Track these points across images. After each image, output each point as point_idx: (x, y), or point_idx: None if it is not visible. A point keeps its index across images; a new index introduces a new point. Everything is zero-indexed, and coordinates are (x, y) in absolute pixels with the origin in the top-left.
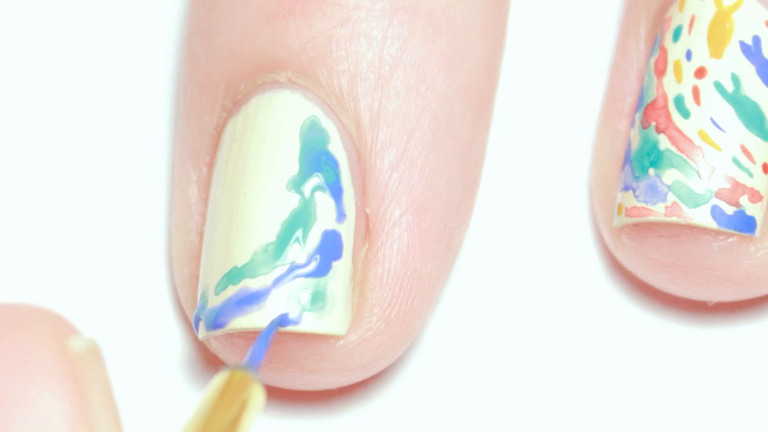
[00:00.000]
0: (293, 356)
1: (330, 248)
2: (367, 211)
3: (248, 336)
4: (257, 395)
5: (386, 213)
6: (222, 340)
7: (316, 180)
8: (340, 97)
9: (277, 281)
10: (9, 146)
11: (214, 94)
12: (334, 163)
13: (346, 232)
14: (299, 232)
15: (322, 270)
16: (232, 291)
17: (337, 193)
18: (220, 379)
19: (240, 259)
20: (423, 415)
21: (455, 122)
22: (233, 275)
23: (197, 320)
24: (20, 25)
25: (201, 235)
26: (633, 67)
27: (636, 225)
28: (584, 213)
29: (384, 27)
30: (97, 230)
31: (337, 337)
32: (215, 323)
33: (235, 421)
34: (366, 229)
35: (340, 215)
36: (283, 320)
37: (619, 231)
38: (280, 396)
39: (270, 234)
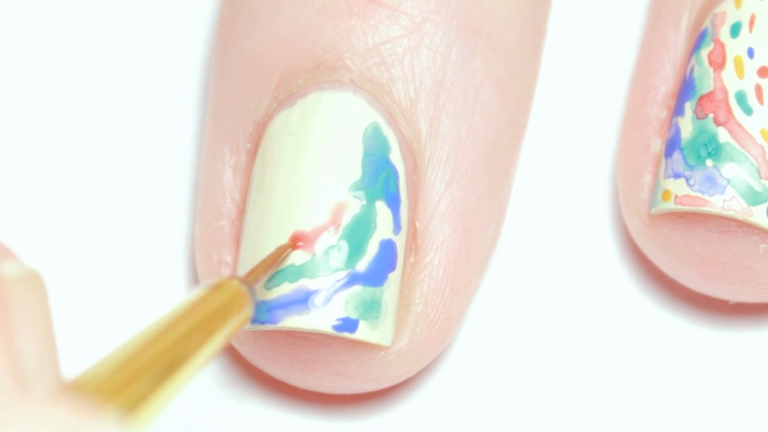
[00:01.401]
0: (332, 360)
1: (386, 259)
2: (417, 224)
3: (291, 334)
4: (246, 308)
5: (436, 229)
6: (254, 338)
7: (377, 188)
8: (404, 107)
9: (336, 285)
10: (25, 128)
11: (266, 83)
12: (394, 174)
13: (400, 244)
14: (360, 239)
15: (378, 280)
16: (288, 288)
17: (395, 204)
18: (212, 282)
19: (299, 258)
20: (437, 418)
21: (501, 146)
22: (290, 272)
23: None
24: (44, 15)
25: (233, 221)
26: (670, 56)
27: (681, 216)
28: (598, 206)
29: (450, 44)
30: (109, 211)
31: (381, 348)
32: (266, 318)
33: (215, 323)
34: (412, 242)
35: (397, 227)
36: (339, 325)
37: (658, 219)
38: (284, 394)
39: (331, 237)
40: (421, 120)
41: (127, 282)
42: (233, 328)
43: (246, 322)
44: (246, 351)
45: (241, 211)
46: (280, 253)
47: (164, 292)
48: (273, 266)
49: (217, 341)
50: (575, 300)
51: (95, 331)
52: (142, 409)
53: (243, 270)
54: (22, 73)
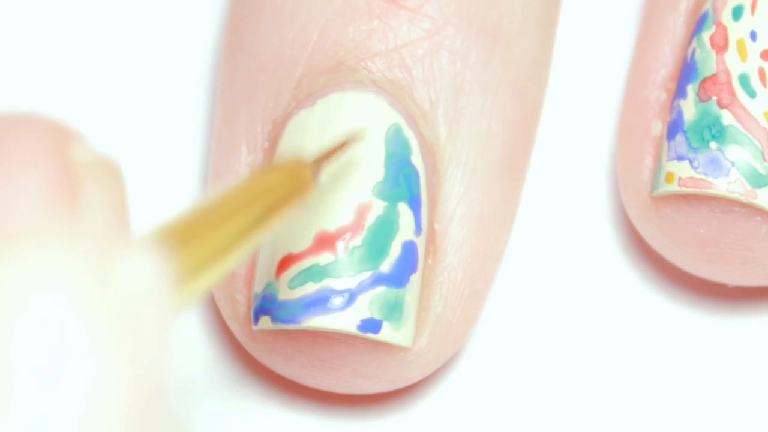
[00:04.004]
0: (352, 360)
1: (408, 260)
2: (436, 226)
3: (313, 333)
4: (310, 190)
5: (455, 231)
6: (273, 336)
7: (400, 190)
8: (425, 109)
9: (361, 286)
10: None
11: (285, 82)
12: (415, 175)
13: (421, 245)
14: (383, 240)
15: (401, 281)
16: (312, 288)
17: (416, 205)
18: (280, 162)
19: (323, 258)
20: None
21: (517, 150)
22: (314, 272)
23: (261, 310)
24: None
25: None
26: (669, 39)
27: (684, 197)
28: (597, 193)
29: (469, 47)
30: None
31: (402, 349)
32: (289, 318)
33: (281, 199)
34: (431, 244)
35: (418, 228)
36: (363, 326)
37: (660, 201)
38: (283, 393)
39: (356, 237)
40: (441, 122)
41: None
42: (294, 206)
43: (309, 201)
44: (260, 350)
45: None
46: (345, 145)
47: None
48: (335, 154)
49: (276, 220)
50: (574, 288)
51: None
52: (201, 268)
53: (260, 275)
54: (31, 72)
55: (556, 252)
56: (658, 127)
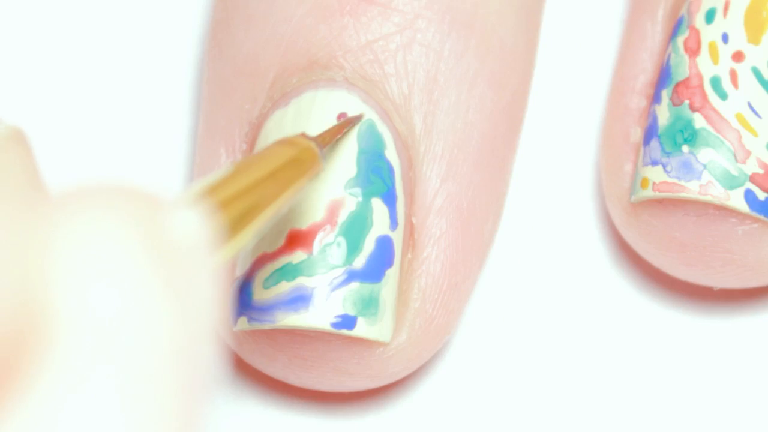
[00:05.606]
0: (332, 357)
1: (383, 255)
2: (414, 220)
3: (291, 332)
4: (318, 163)
5: (432, 225)
6: (253, 337)
7: (373, 185)
8: (398, 103)
9: (334, 283)
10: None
11: (260, 83)
12: (389, 170)
13: (397, 240)
14: (356, 236)
15: (376, 276)
16: (285, 287)
17: (391, 200)
18: (286, 138)
19: (296, 256)
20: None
21: (497, 141)
22: (287, 271)
23: (237, 311)
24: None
25: None
26: (647, 46)
27: (660, 202)
28: (586, 199)
29: (443, 39)
30: None
31: (380, 344)
32: (265, 318)
33: (291, 173)
34: (410, 239)
35: (393, 223)
36: (337, 323)
37: (638, 207)
38: (281, 393)
39: (328, 235)
40: (415, 116)
41: None
42: (306, 179)
43: (317, 175)
44: (244, 351)
45: None
46: (347, 124)
47: None
48: (339, 134)
49: (292, 191)
50: (566, 294)
51: None
52: (236, 230)
53: (239, 275)
54: (14, 73)
55: (543, 253)
56: (637, 134)
